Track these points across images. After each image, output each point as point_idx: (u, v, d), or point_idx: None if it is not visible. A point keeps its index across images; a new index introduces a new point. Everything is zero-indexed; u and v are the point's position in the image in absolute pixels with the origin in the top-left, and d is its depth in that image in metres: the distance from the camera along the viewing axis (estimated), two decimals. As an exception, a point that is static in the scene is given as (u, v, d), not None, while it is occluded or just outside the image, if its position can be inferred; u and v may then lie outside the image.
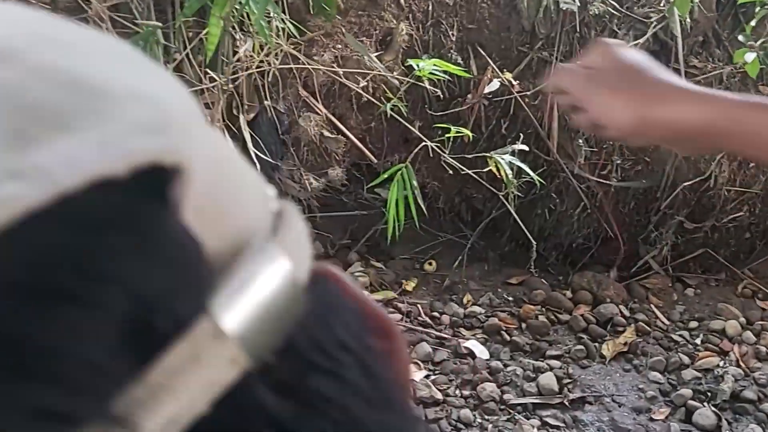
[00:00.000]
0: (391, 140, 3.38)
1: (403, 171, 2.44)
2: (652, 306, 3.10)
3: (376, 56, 3.15)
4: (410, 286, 3.23)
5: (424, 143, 2.65)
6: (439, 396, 2.63)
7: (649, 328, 2.95)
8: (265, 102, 3.18)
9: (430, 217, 3.58)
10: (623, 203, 3.32)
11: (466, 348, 2.84)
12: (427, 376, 2.75)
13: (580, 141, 3.23)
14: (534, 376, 2.72)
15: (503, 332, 2.95)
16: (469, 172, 2.69)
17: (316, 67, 2.91)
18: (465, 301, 3.15)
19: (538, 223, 3.37)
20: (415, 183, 2.44)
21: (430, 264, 3.37)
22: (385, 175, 2.51)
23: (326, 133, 3.21)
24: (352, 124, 3.32)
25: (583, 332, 2.95)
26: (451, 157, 2.84)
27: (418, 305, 3.10)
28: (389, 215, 2.44)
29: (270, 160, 3.21)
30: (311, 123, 3.20)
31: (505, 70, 3.27)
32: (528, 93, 3.25)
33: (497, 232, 3.47)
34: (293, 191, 3.33)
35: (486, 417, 2.60)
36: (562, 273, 3.37)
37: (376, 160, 3.22)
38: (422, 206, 2.46)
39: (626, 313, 3.03)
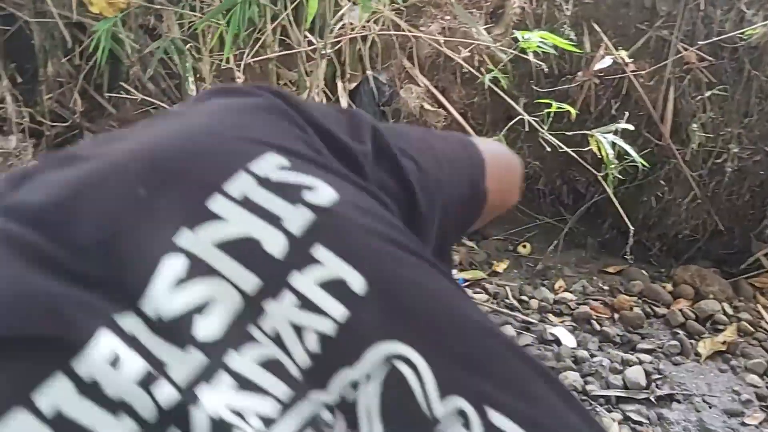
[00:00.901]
0: (493, 116, 3.29)
1: (493, 145, 2.35)
2: (759, 306, 2.90)
3: (485, 29, 3.06)
4: (501, 267, 3.15)
5: (520, 116, 2.55)
6: (519, 380, 2.54)
7: (752, 329, 2.75)
8: (368, 71, 3.16)
9: (529, 198, 3.48)
10: (737, 195, 3.10)
11: (552, 334, 2.75)
12: (508, 359, 2.67)
13: (695, 126, 3.04)
14: (621, 368, 2.59)
15: (594, 321, 2.83)
16: (569, 150, 2.57)
17: (416, 34, 2.86)
18: (556, 286, 3.04)
19: (643, 210, 3.20)
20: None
21: (524, 246, 3.28)
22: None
23: (427, 106, 3.16)
24: (455, 98, 3.25)
25: (680, 328, 2.79)
26: (552, 135, 2.73)
27: (507, 287, 3.02)
28: (476, 191, 2.37)
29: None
30: (412, 95, 3.15)
31: (620, 47, 3.11)
32: (643, 73, 3.08)
33: (598, 218, 3.33)
34: (390, 162, 3.29)
35: (565, 406, 2.50)
36: (664, 265, 3.19)
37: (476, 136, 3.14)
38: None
39: (729, 311, 2.84)
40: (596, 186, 3.21)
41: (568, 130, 2.95)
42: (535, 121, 2.65)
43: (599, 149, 2.57)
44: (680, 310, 2.84)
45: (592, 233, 3.31)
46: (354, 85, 3.19)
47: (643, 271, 3.10)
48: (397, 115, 3.22)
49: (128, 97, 3.07)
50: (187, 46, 2.54)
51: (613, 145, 2.56)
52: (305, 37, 2.67)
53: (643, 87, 3.09)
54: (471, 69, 2.95)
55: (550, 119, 2.65)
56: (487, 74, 2.73)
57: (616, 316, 2.87)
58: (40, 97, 2.92)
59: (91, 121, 3.24)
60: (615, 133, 2.57)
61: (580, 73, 3.15)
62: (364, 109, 3.19)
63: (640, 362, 2.63)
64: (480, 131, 3.27)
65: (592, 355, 2.66)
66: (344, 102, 2.97)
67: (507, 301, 2.95)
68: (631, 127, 2.67)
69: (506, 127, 2.59)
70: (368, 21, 2.77)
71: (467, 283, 3.02)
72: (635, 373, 2.56)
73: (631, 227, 2.72)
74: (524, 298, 2.98)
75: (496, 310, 2.87)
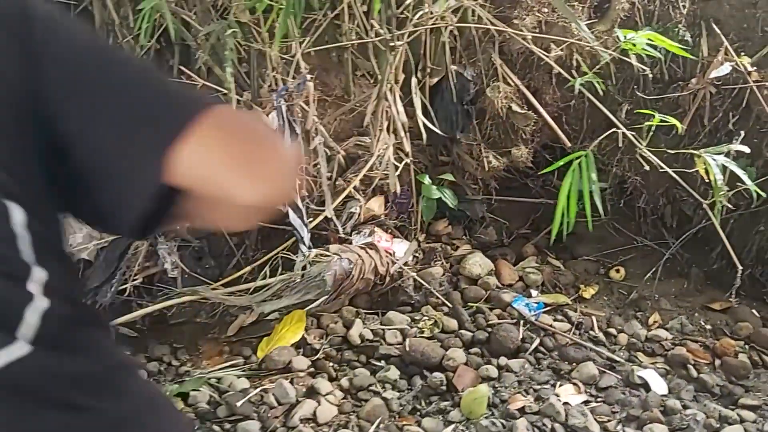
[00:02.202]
0: (592, 123, 2.94)
1: (582, 160, 2.03)
2: None
3: (586, 25, 2.71)
4: (588, 293, 2.81)
5: (613, 130, 2.21)
6: (596, 429, 2.22)
7: None
8: (451, 66, 2.87)
9: (627, 217, 3.11)
10: None
11: (640, 377, 2.39)
12: (586, 402, 2.34)
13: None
14: (718, 426, 2.22)
15: (690, 366, 2.46)
16: (670, 171, 2.21)
17: (500, 28, 2.54)
18: (651, 321, 2.67)
19: (759, 241, 2.79)
20: (594, 176, 2.03)
21: (618, 271, 2.91)
22: (561, 163, 2.12)
23: (515, 107, 2.84)
24: (548, 100, 2.92)
25: (794, 383, 2.39)
26: (653, 151, 2.37)
27: (593, 317, 2.67)
28: (558, 208, 2.06)
29: (446, 132, 2.90)
30: (500, 94, 2.84)
31: (742, 53, 2.71)
32: (768, 83, 2.67)
33: (706, 245, 2.93)
34: (470, 168, 2.99)
35: (648, 465, 2.16)
36: (780, 306, 2.77)
37: (570, 144, 2.79)
38: (598, 204, 2.05)
39: None
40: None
41: (676, 144, 2.58)
42: (633, 135, 2.30)
43: (707, 172, 2.20)
44: (796, 362, 2.44)
45: (698, 262, 2.92)
46: (436, 80, 2.90)
47: (754, 311, 2.69)
48: (482, 114, 2.92)
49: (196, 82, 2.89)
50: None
51: (724, 168, 2.18)
52: (372, 26, 2.39)
53: (767, 100, 2.68)
54: (561, 71, 2.61)
55: (651, 132, 2.29)
56: (579, 78, 2.38)
57: (717, 362, 2.50)
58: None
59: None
60: (727, 154, 2.19)
61: (693, 80, 2.77)
62: (445, 106, 2.90)
63: (741, 420, 2.25)
64: (575, 139, 2.93)
65: (685, 407, 2.30)
66: (417, 101, 2.68)
67: (591, 333, 2.61)
68: (746, 149, 2.28)
69: (600, 138, 2.25)
70: (446, 11, 2.46)
71: (547, 308, 2.69)
72: (735, 434, 2.19)
73: (739, 265, 2.34)
74: (612, 331, 2.63)
75: (578, 343, 2.54)
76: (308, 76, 2.39)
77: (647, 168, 2.42)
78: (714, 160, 2.08)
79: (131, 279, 2.84)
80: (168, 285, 2.91)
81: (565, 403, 2.31)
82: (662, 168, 2.23)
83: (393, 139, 2.58)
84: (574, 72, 2.68)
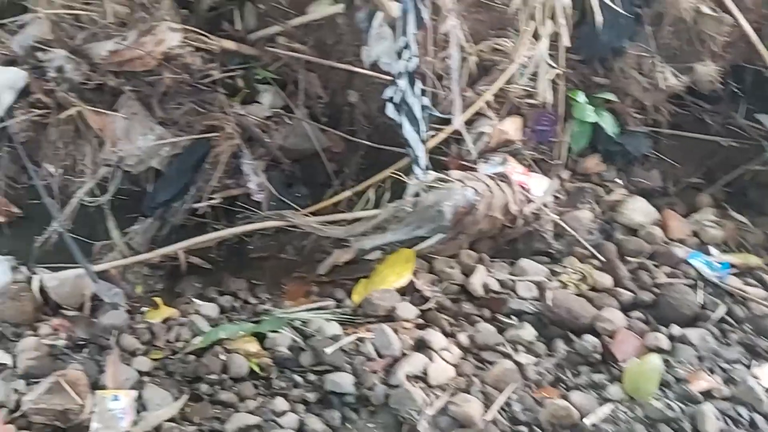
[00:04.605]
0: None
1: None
2: None
3: None
4: (787, 255, 2.19)
5: None
6: (815, 426, 1.59)
7: None
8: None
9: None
10: None
11: None
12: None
13: None
14: None
15: None
16: None
17: None
18: None
19: None
20: None
21: (832, 228, 2.29)
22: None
23: (705, 10, 2.22)
24: (749, 3, 2.28)
25: None
26: None
27: (797, 283, 2.05)
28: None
29: (611, 40, 2.30)
30: (685, -8, 2.22)
31: None
32: None
33: None
34: (636, 90, 2.38)
35: None
36: None
37: (772, 64, 2.16)
38: None
39: None
40: None
41: None
42: None
43: None
44: None
45: None
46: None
47: None
48: (658, 20, 2.30)
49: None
50: None
51: None
52: None
53: None
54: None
55: None
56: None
57: None
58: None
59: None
60: None
61: None
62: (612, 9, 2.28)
63: None
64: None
65: None
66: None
67: (796, 307, 1.98)
68: None
69: None
70: None
71: (734, 271, 2.06)
72: None
73: None
74: (825, 300, 2.01)
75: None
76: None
77: None
78: None
79: (207, 197, 2.35)
80: (251, 209, 2.41)
81: (768, 389, 1.70)
82: None
83: (551, 28, 1.98)
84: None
